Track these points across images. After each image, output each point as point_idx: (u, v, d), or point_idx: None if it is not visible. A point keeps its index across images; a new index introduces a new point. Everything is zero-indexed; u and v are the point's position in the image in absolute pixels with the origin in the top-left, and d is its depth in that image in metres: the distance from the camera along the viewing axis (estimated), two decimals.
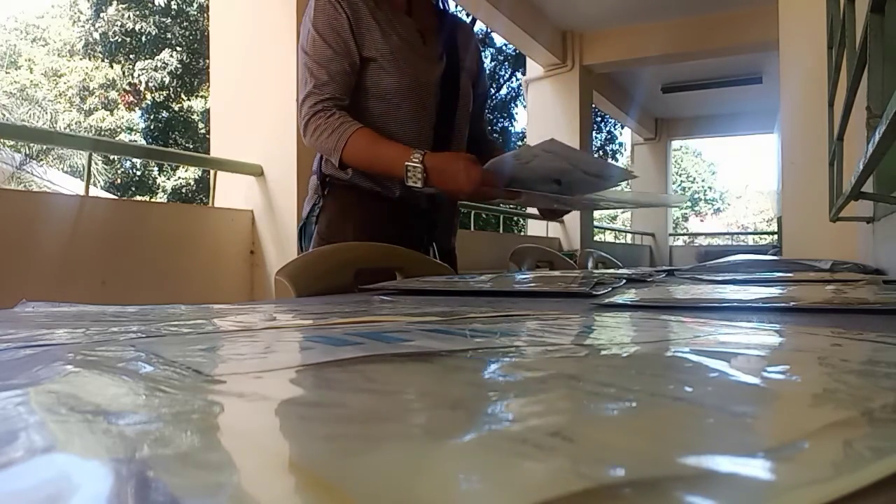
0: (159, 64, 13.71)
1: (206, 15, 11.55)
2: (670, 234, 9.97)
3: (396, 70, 1.21)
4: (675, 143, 11.19)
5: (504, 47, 13.82)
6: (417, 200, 1.26)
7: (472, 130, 1.39)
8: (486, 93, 1.49)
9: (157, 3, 13.65)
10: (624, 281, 0.95)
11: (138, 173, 15.12)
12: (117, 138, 12.88)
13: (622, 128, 13.77)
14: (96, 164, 12.37)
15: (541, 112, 6.38)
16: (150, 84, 13.81)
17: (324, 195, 1.25)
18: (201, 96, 14.13)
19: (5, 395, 0.19)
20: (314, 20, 1.18)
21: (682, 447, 0.14)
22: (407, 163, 1.09)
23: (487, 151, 1.35)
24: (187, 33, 14.02)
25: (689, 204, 25.52)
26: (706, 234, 16.99)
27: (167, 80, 13.82)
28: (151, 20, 13.58)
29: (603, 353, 0.28)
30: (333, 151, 1.14)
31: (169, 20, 13.84)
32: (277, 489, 0.11)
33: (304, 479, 0.12)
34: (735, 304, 0.58)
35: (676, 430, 0.16)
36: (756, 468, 0.12)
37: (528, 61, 6.47)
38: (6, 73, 14.66)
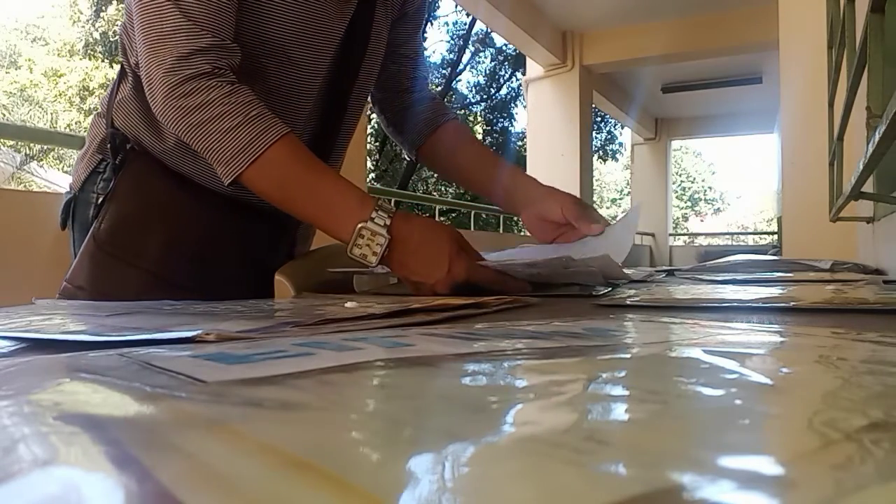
0: None
1: None
2: (670, 234, 9.97)
3: (281, 12, 0.75)
4: (675, 143, 11.19)
5: (504, 47, 13.83)
6: (258, 198, 0.77)
7: (395, 84, 0.97)
8: (420, 50, 1.02)
9: None
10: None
11: None
12: None
13: (622, 128, 13.78)
14: None
15: (541, 112, 6.39)
16: None
17: (115, 169, 0.78)
18: None
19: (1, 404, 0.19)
20: None
21: (723, 448, 0.14)
22: (361, 224, 0.66)
23: (412, 105, 0.98)
24: None
25: (689, 204, 25.52)
26: (706, 234, 17.00)
27: None
28: None
29: (612, 354, 0.28)
30: (233, 158, 0.67)
31: None
32: (309, 497, 0.11)
33: (335, 486, 0.11)
34: (735, 304, 0.58)
35: (712, 431, 0.16)
36: (802, 469, 0.12)
37: (528, 61, 6.47)
38: (6, 73, 14.65)
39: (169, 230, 0.79)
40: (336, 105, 0.88)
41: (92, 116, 0.85)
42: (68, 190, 0.85)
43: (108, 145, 0.78)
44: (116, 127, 0.79)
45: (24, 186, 11.41)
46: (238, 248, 0.85)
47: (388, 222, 0.67)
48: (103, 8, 13.63)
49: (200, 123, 0.67)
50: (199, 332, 0.33)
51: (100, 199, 0.78)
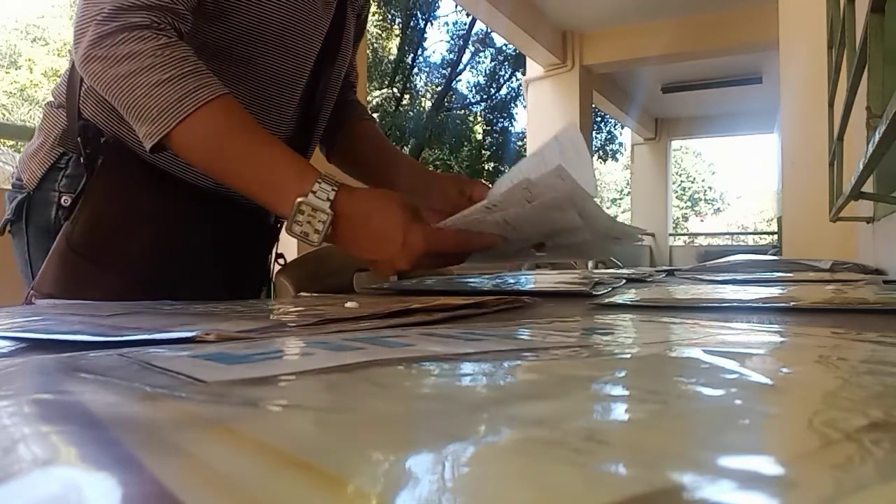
0: None
1: None
2: (670, 234, 9.96)
3: (261, 11, 0.72)
4: (675, 143, 11.19)
5: (504, 47, 13.82)
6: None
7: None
8: (354, 55, 0.96)
9: None
10: (624, 281, 0.95)
11: None
12: None
13: (622, 128, 13.77)
14: None
15: (541, 112, 6.38)
16: None
17: (87, 165, 0.70)
18: None
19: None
20: None
21: (723, 448, 0.14)
22: (300, 198, 0.60)
23: (343, 120, 0.94)
24: None
25: (689, 204, 25.52)
26: (706, 234, 17.01)
27: None
28: None
29: (612, 354, 0.28)
30: (160, 115, 0.59)
31: None
32: (309, 497, 0.11)
33: (335, 486, 0.11)
34: (735, 304, 0.58)
35: (712, 431, 0.16)
36: (802, 469, 0.12)
37: (528, 61, 6.47)
38: (6, 73, 14.65)
39: (151, 230, 0.73)
40: (315, 98, 0.86)
41: (45, 108, 0.77)
42: (15, 188, 0.76)
43: (79, 138, 0.70)
44: (86, 118, 0.72)
45: None
46: (220, 246, 0.80)
47: (331, 196, 0.60)
48: None
49: (126, 75, 0.59)
50: (199, 332, 0.33)
51: (63, 198, 0.71)
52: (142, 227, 0.73)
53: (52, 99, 0.77)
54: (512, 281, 0.93)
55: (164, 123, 0.59)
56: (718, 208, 27.14)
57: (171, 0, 0.62)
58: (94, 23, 0.60)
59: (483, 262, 0.75)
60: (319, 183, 0.60)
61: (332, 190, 0.61)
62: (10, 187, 0.78)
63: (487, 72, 14.76)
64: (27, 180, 0.74)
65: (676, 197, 23.72)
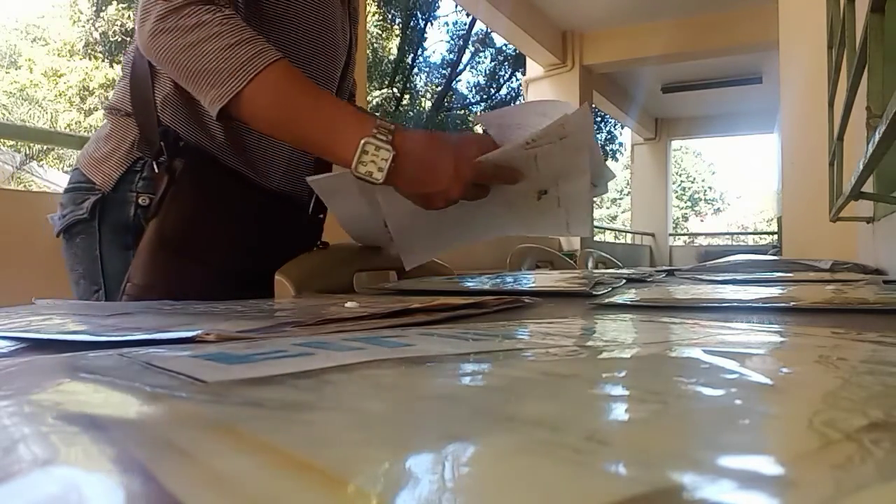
0: None
1: None
2: (670, 235, 9.97)
3: (299, 11, 0.80)
4: (675, 143, 11.19)
5: (504, 47, 13.82)
6: (300, 191, 0.88)
7: None
8: None
9: None
10: (624, 281, 0.95)
11: None
12: None
13: (622, 128, 13.77)
14: None
15: None
16: None
17: (168, 168, 0.76)
18: None
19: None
20: None
21: (723, 448, 0.14)
22: (364, 138, 0.64)
23: None
24: None
25: (689, 204, 25.53)
26: (706, 234, 17.00)
27: None
28: None
29: (612, 354, 0.28)
30: (232, 76, 0.64)
31: None
32: (309, 497, 0.11)
33: (336, 486, 0.11)
34: (735, 304, 0.58)
35: (712, 431, 0.16)
36: (802, 469, 0.12)
37: (528, 61, 6.47)
38: (6, 73, 14.65)
39: (231, 226, 0.81)
40: (341, 97, 0.91)
41: (109, 117, 0.82)
42: (83, 190, 0.80)
43: (161, 143, 0.76)
44: (165, 125, 0.78)
45: (24, 186, 11.41)
46: (285, 240, 0.88)
47: (390, 137, 0.65)
48: (103, 8, 13.63)
49: (195, 43, 0.64)
50: (199, 332, 0.33)
51: (141, 199, 0.77)
52: (222, 221, 0.80)
53: (116, 108, 0.81)
54: (511, 281, 0.93)
55: (235, 83, 0.65)
56: (718, 208, 27.15)
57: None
58: (157, 4, 0.65)
59: (485, 224, 0.83)
60: (378, 126, 0.65)
61: (390, 130, 0.66)
62: (62, 191, 0.83)
63: (487, 72, 14.76)
64: (101, 182, 0.78)
65: (676, 197, 23.73)
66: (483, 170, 0.69)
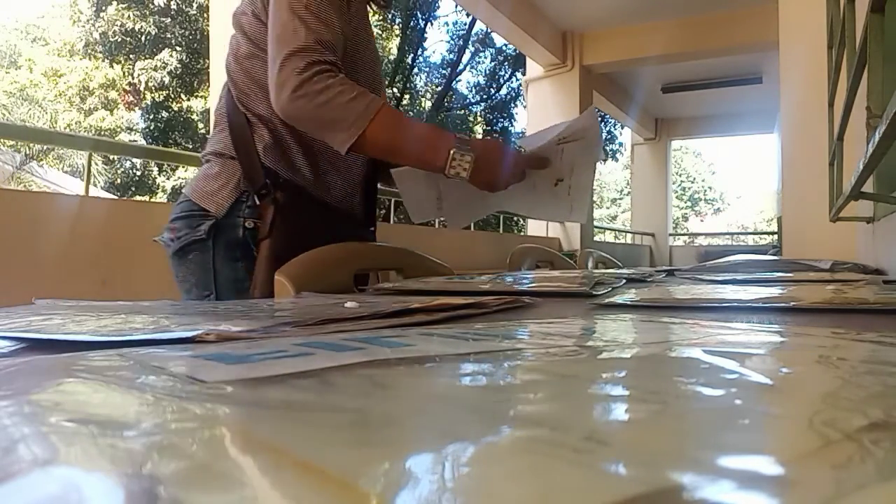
0: (159, 64, 13.70)
1: (205, 15, 11.55)
2: (670, 234, 9.96)
3: (369, 59, 1.06)
4: (675, 143, 11.18)
5: (504, 47, 13.81)
6: (351, 203, 1.11)
7: None
8: None
9: (156, 3, 13.64)
10: (624, 281, 0.95)
11: (138, 173, 15.10)
12: (117, 138, 12.86)
13: (622, 128, 13.77)
14: (96, 164, 12.35)
15: (541, 112, 6.38)
16: (150, 84, 13.80)
17: (274, 196, 0.99)
18: (201, 96, 14.11)
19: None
20: None
21: (723, 448, 0.14)
22: (453, 149, 0.92)
23: None
24: (187, 33, 14.00)
25: (689, 204, 25.53)
26: (706, 234, 17.00)
27: (167, 80, 13.81)
28: (151, 20, 13.57)
29: (612, 354, 0.28)
30: (358, 120, 0.88)
31: (169, 20, 13.83)
32: (309, 497, 0.11)
33: (335, 486, 0.11)
34: (735, 304, 0.58)
35: (712, 431, 0.16)
36: (802, 469, 0.12)
37: (528, 61, 6.47)
38: (6, 73, 14.65)
39: (320, 240, 0.99)
40: None
41: (215, 160, 1.03)
42: (198, 216, 0.99)
43: (267, 180, 0.99)
44: (267, 166, 1.00)
45: (24, 186, 11.40)
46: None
47: (468, 147, 0.93)
48: (103, 8, 13.63)
49: (325, 102, 0.88)
50: (199, 332, 0.33)
51: (247, 223, 0.98)
52: (314, 238, 0.98)
53: (221, 153, 1.03)
54: (511, 281, 0.93)
55: (362, 123, 0.89)
56: (718, 208, 27.14)
57: (334, 56, 0.92)
58: (294, 75, 0.87)
59: (517, 201, 1.11)
60: (458, 139, 0.94)
61: (467, 141, 0.94)
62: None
63: (487, 72, 14.75)
64: (215, 210, 0.99)
65: (676, 197, 23.73)
66: (528, 160, 1.00)
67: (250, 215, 0.99)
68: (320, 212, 1.05)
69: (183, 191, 1.06)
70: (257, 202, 0.98)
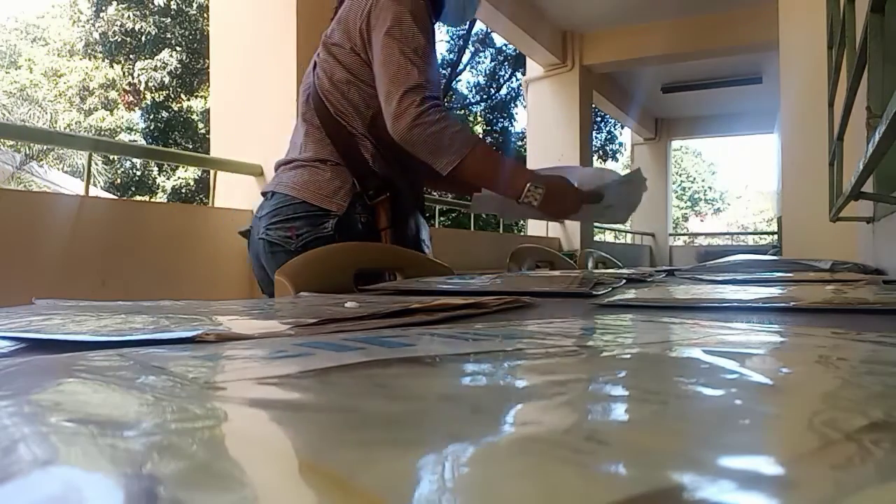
0: (159, 64, 13.70)
1: (205, 15, 11.55)
2: (670, 234, 9.97)
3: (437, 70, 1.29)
4: (675, 143, 11.19)
5: (504, 47, 13.81)
6: (419, 199, 1.35)
7: None
8: None
9: (156, 3, 13.64)
10: (624, 281, 0.95)
11: (138, 173, 15.10)
12: (117, 138, 12.85)
13: (622, 128, 13.77)
14: (96, 164, 12.35)
15: (541, 112, 6.38)
16: (150, 84, 13.80)
17: (389, 199, 1.20)
18: (201, 96, 14.12)
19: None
20: (419, 21, 1.13)
21: (723, 448, 0.14)
22: (528, 183, 1.15)
23: None
24: (187, 33, 14.00)
25: (689, 204, 25.52)
26: (706, 234, 17.00)
27: (167, 80, 13.81)
28: (151, 20, 13.57)
29: (612, 354, 0.28)
30: (460, 149, 1.10)
31: (169, 20, 13.83)
32: (310, 497, 0.11)
33: (336, 486, 0.11)
34: (735, 304, 0.58)
35: (712, 431, 0.16)
36: (802, 469, 0.12)
37: (528, 61, 6.47)
38: (6, 73, 14.65)
39: (415, 227, 1.27)
40: None
41: (322, 166, 1.20)
42: (322, 216, 1.16)
43: (381, 182, 1.19)
44: (376, 171, 1.19)
45: (24, 186, 11.40)
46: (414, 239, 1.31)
47: (541, 181, 1.17)
48: (103, 8, 13.62)
49: (437, 132, 1.09)
50: (199, 332, 0.33)
51: (363, 218, 1.18)
52: (412, 223, 1.25)
53: (326, 160, 1.20)
54: (511, 280, 0.93)
55: (464, 151, 1.11)
56: (718, 208, 27.14)
57: (439, 92, 1.13)
58: (412, 108, 1.08)
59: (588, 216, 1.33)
60: (531, 175, 1.19)
61: (541, 178, 1.18)
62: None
63: (487, 72, 14.75)
64: (337, 209, 1.17)
65: (676, 197, 23.72)
66: (585, 194, 1.23)
67: (363, 212, 1.18)
68: (411, 204, 1.29)
69: (286, 193, 1.19)
70: (368, 202, 1.18)
